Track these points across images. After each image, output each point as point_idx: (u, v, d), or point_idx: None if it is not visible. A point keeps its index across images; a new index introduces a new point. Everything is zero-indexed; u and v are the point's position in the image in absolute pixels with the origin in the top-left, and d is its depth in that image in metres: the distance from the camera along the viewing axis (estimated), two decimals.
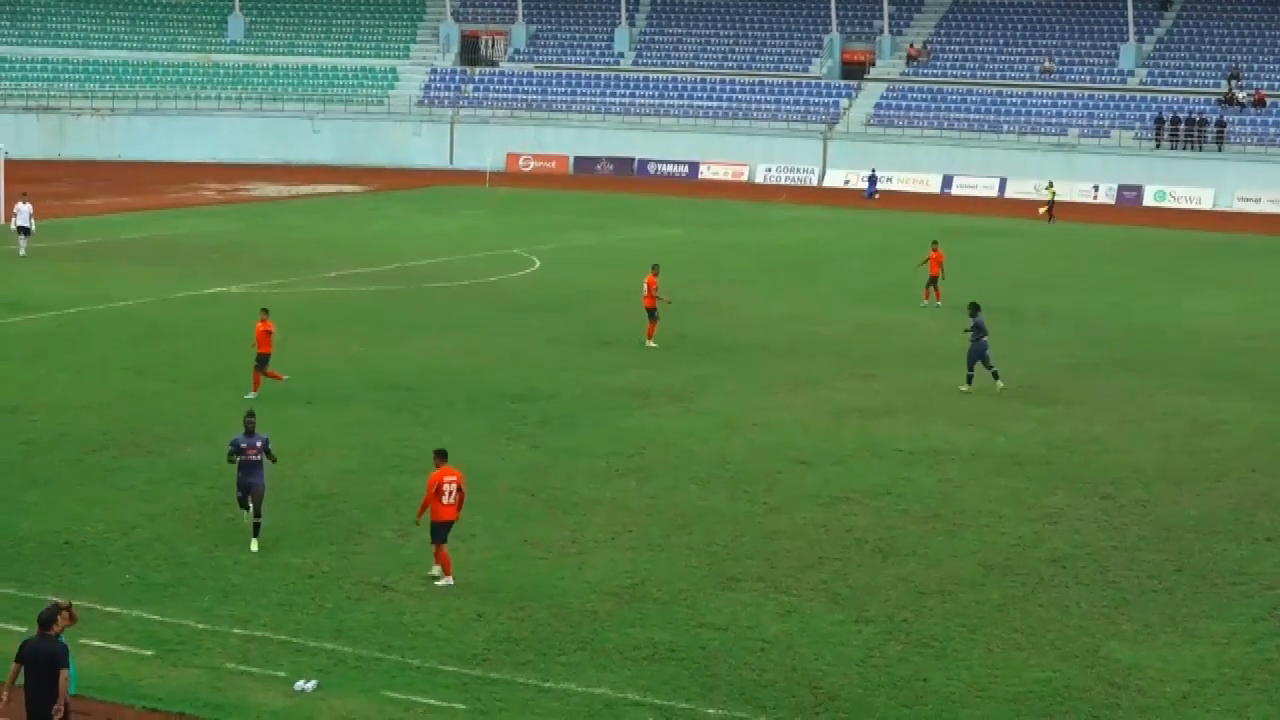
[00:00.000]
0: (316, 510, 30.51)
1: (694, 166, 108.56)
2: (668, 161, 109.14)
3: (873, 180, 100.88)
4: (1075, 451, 37.01)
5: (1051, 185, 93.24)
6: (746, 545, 29.29)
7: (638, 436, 36.97)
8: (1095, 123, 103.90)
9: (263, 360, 40.09)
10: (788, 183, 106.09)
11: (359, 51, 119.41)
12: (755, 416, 39.37)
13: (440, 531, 26.96)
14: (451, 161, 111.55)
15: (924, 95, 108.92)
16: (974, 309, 43.60)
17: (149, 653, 23.45)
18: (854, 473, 34.45)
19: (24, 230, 65.05)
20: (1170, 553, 29.64)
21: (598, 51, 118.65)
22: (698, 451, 35.80)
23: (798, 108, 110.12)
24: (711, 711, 22.12)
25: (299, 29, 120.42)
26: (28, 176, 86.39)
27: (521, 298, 56.42)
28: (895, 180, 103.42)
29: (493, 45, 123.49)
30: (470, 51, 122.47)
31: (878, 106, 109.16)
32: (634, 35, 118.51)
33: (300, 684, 22.43)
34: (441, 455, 27.50)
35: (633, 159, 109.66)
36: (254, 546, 28.02)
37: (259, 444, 28.53)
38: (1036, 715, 22.36)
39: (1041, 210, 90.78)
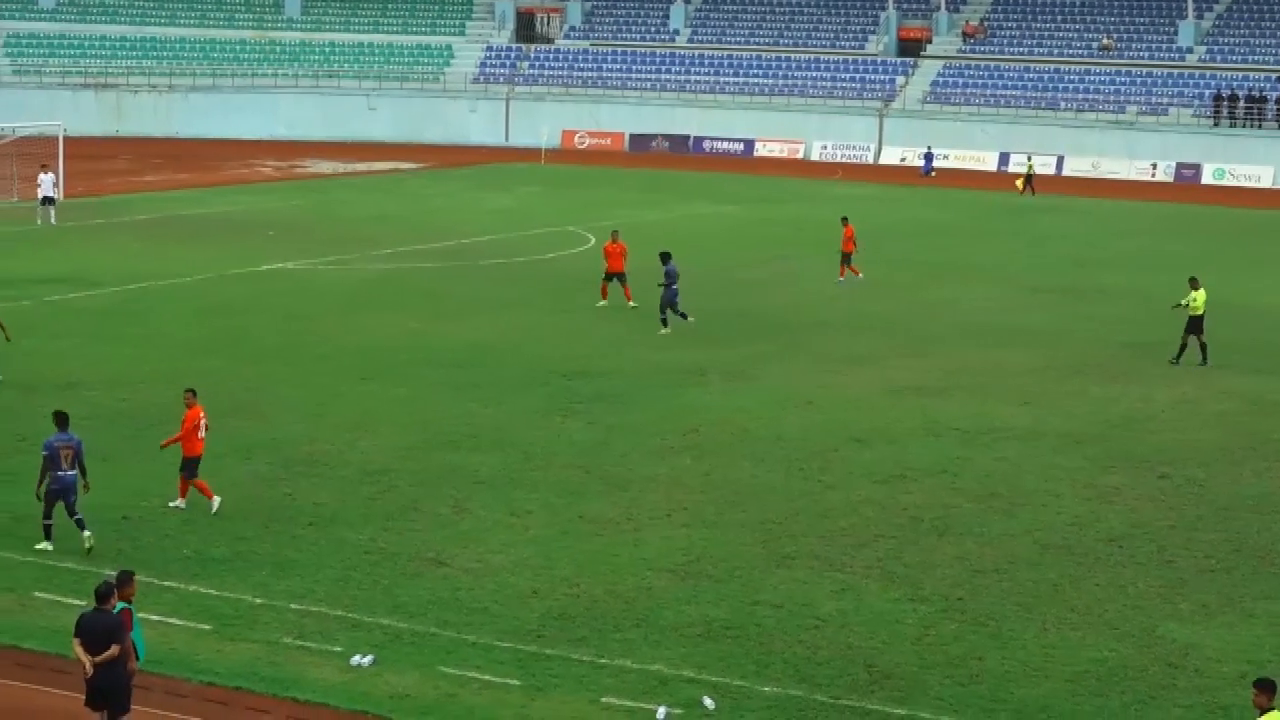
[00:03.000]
0: (373, 486, 30.60)
1: (749, 144, 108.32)
2: (723, 139, 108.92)
3: (929, 158, 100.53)
4: (1133, 430, 36.83)
5: (1030, 159, 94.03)
6: (802, 523, 29.27)
7: (693, 413, 36.94)
8: (1153, 100, 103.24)
9: None
10: (843, 160, 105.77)
11: (415, 29, 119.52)
12: (810, 394, 39.30)
13: (195, 466, 28.89)
14: (507, 139, 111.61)
15: (981, 72, 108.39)
16: (665, 258, 46.75)
17: (207, 627, 23.60)
18: (910, 451, 34.36)
19: (49, 200, 65.68)
20: (1228, 532, 29.49)
21: (653, 29, 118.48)
22: (753, 429, 35.76)
23: (854, 85, 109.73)
24: (766, 689, 22.12)
25: (356, 6, 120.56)
26: (86, 153, 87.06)
27: (577, 275, 56.35)
28: (951, 158, 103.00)
29: (548, 22, 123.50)
30: (526, 28, 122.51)
31: (934, 84, 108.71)
32: (689, 12, 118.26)
33: (356, 659, 22.53)
34: (193, 394, 29.45)
35: (688, 136, 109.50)
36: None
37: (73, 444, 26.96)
38: (1092, 695, 22.30)
39: (1018, 183, 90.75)
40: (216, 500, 28.81)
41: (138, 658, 19.71)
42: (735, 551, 27.62)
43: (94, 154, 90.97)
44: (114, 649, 19.09)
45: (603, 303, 49.44)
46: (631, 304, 49.10)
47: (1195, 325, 43.89)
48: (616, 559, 27.06)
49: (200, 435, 29.00)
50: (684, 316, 46.38)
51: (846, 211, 60.90)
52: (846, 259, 56.58)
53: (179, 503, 28.99)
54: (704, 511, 29.76)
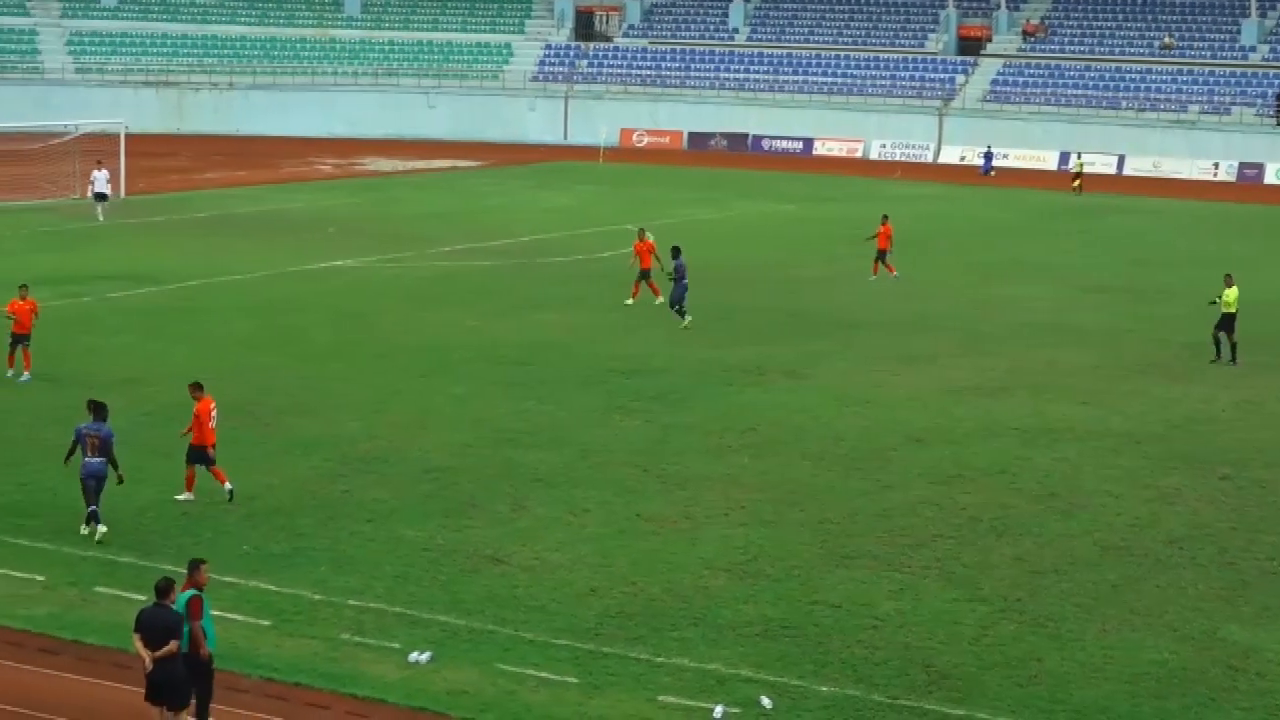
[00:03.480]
0: (431, 483, 30.66)
1: (808, 143, 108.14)
2: (782, 137, 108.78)
3: (988, 157, 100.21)
4: (1194, 431, 36.60)
5: (1080, 158, 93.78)
6: (860, 523, 29.19)
7: (751, 412, 36.90)
8: (1216, 99, 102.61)
9: (21, 339, 38.32)
10: (902, 159, 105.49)
11: (474, 27, 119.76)
12: (869, 393, 39.20)
13: (202, 454, 29.18)
14: (566, 137, 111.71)
15: (1041, 71, 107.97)
16: (675, 252, 47.42)
17: (266, 623, 23.68)
18: (969, 451, 34.23)
19: (101, 196, 66.20)
20: None
21: (712, 27, 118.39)
22: (811, 428, 35.69)
23: (913, 84, 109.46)
24: (824, 689, 22.06)
25: (415, 4, 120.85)
26: (147, 150, 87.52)
27: (635, 273, 56.34)
28: (1011, 157, 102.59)
29: (607, 21, 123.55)
30: (585, 27, 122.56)
31: (994, 83, 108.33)
32: (749, 10, 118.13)
33: (414, 656, 22.58)
34: (198, 387, 29.75)
35: (747, 135, 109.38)
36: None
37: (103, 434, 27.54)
38: (1152, 697, 22.15)
39: (1075, 184, 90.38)
40: (190, 496, 29.12)
41: (209, 644, 19.94)
42: (793, 551, 27.57)
43: (155, 151, 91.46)
44: (173, 644, 19.23)
45: (659, 300, 49.42)
46: (659, 300, 49.21)
47: (1226, 323, 43.74)
48: (674, 558, 27.03)
49: (211, 425, 29.29)
50: (681, 315, 46.61)
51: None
52: (882, 256, 56.70)
53: (188, 496, 29.22)
54: (762, 511, 29.71)
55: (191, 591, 19.96)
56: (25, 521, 27.80)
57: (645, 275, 49.93)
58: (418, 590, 25.21)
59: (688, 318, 46.37)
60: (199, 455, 29.20)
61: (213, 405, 29.39)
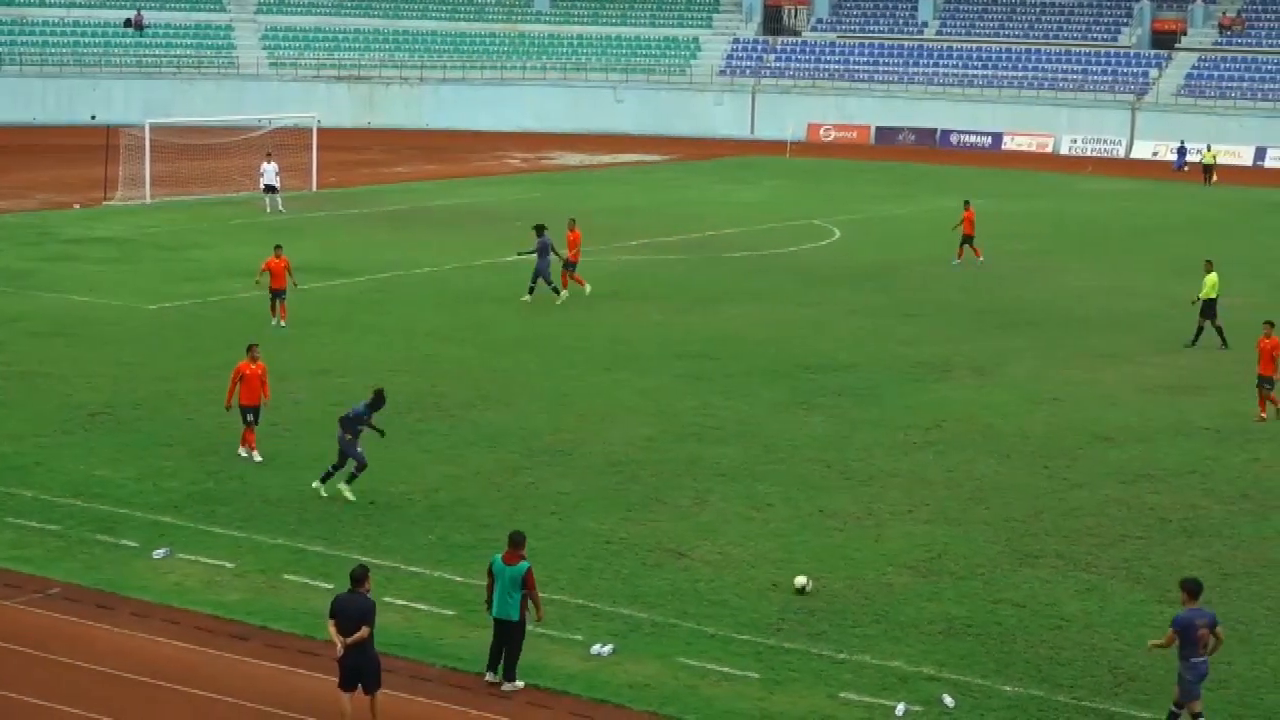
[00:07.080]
0: (615, 477, 30.77)
1: (997, 137, 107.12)
2: (971, 132, 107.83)
3: (1182, 152, 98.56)
4: None
5: (1210, 148, 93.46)
6: (1046, 521, 28.89)
7: (937, 409, 36.64)
8: None
9: (278, 294, 43.72)
10: (1093, 154, 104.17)
11: (662, 22, 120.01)
12: (1058, 391, 38.78)
13: (242, 413, 31.52)
14: (753, 131, 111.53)
15: (1237, 66, 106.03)
16: (539, 230, 48.58)
17: (450, 612, 23.89)
18: (1159, 450, 33.74)
19: (270, 189, 67.14)
20: None
21: (901, 21, 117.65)
22: (998, 425, 35.37)
23: (1105, 78, 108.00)
24: (1008, 689, 21.87)
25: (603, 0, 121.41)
26: (338, 144, 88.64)
27: (822, 268, 56.24)
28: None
29: (795, 15, 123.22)
30: (773, 21, 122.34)
31: (1188, 77, 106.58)
32: (938, 4, 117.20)
33: (596, 648, 22.68)
34: (251, 347, 32.20)
35: (935, 130, 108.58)
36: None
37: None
38: None
39: (1215, 178, 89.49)
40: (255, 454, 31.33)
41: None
42: (978, 549, 27.35)
43: (346, 145, 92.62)
44: (364, 630, 19.48)
45: (565, 293, 48.99)
46: (587, 289, 49.30)
47: (1207, 310, 44.74)
48: (857, 554, 26.93)
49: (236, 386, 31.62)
50: (555, 290, 48.49)
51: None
52: (967, 240, 57.66)
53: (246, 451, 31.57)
54: (946, 508, 29.50)
55: (528, 562, 21.34)
56: (216, 509, 28.32)
57: (573, 265, 49.53)
58: (600, 583, 25.32)
59: (529, 296, 48.15)
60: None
61: (246, 368, 31.39)
